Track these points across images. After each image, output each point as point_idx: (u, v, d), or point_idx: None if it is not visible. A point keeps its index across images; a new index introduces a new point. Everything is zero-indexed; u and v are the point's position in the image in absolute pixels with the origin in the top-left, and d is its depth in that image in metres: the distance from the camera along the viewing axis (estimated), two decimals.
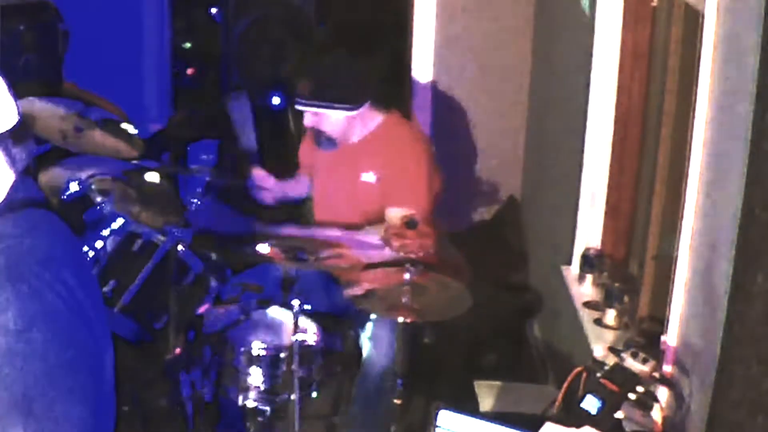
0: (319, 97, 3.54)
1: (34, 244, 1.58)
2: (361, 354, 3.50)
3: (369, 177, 3.66)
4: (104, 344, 1.65)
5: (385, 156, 3.63)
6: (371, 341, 3.48)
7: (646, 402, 2.51)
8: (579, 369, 2.62)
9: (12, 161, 1.63)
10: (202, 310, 3.40)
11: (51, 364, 1.49)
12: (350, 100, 3.56)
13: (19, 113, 1.66)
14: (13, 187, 1.65)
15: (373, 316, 3.48)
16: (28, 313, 1.50)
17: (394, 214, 3.56)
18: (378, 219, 3.60)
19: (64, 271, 1.58)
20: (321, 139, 3.64)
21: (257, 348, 3.21)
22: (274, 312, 3.39)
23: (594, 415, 2.44)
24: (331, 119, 3.58)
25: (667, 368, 2.63)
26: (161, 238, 3.38)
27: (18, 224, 1.60)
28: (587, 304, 3.52)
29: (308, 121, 3.60)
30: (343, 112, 3.56)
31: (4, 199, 1.64)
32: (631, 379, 2.52)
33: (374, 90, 3.73)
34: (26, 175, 1.70)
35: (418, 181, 3.61)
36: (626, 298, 3.30)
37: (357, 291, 3.26)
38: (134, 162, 3.73)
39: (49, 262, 1.57)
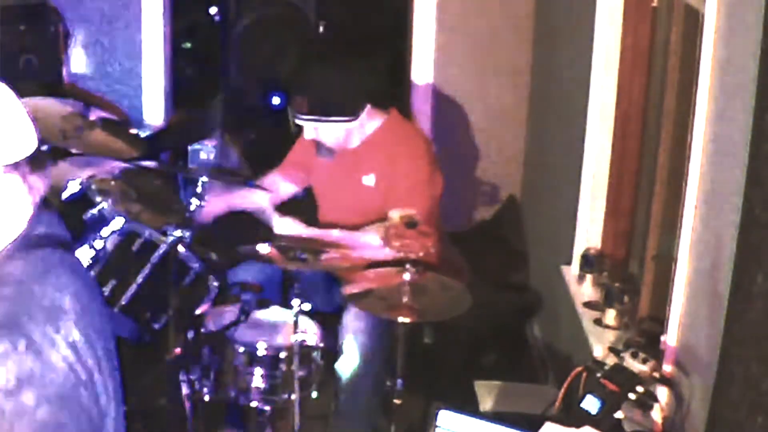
0: (318, 111, 3.54)
1: (41, 293, 1.49)
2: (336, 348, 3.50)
3: (369, 180, 3.67)
4: (107, 405, 1.56)
5: (384, 158, 3.63)
6: (351, 334, 3.47)
7: (646, 402, 2.51)
8: (579, 369, 2.62)
9: (29, 188, 1.56)
10: (202, 310, 3.40)
11: (42, 427, 1.41)
12: (349, 112, 3.57)
13: (38, 139, 1.60)
14: (32, 221, 1.56)
15: (350, 309, 3.47)
16: (22, 371, 1.41)
17: (397, 215, 3.56)
18: (379, 221, 3.59)
19: (70, 325, 1.49)
20: (321, 149, 3.65)
21: (257, 348, 3.21)
22: (274, 312, 3.39)
23: (594, 415, 2.44)
24: (331, 131, 3.59)
25: (667, 368, 2.63)
26: (161, 238, 3.38)
27: (28, 267, 1.51)
28: (587, 304, 3.52)
29: (308, 134, 3.61)
30: (342, 124, 3.57)
31: (21, 234, 1.55)
32: (631, 379, 2.52)
33: (372, 94, 3.73)
34: (49, 209, 1.64)
35: (417, 182, 3.61)
36: (626, 298, 3.30)
37: (354, 289, 3.26)
38: (134, 162, 3.73)
39: (55, 314, 1.48)
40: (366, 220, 3.62)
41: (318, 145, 3.65)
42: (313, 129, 3.59)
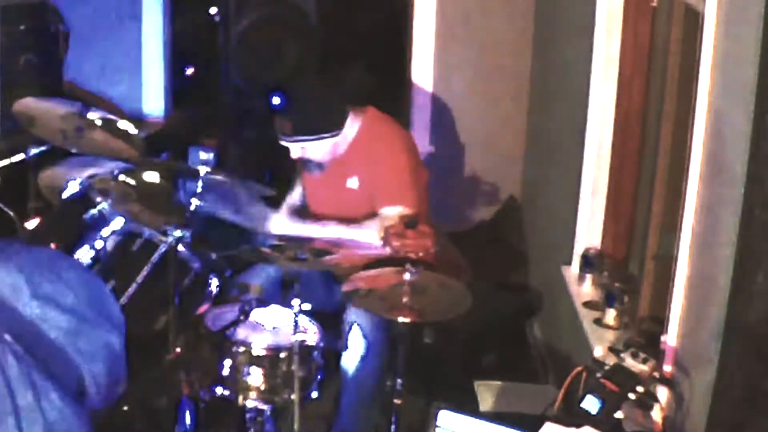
0: (302, 132, 3.55)
1: None
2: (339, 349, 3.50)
3: (353, 183, 3.68)
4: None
5: (364, 160, 3.64)
6: (354, 331, 3.47)
7: (646, 402, 2.51)
8: (579, 369, 2.62)
9: None
10: (202, 310, 3.40)
11: None
12: (333, 127, 3.58)
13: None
14: None
15: (354, 311, 3.47)
16: None
17: (388, 212, 3.56)
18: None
19: None
20: (310, 166, 3.65)
21: (257, 348, 3.21)
22: (274, 312, 3.39)
23: (594, 415, 2.44)
24: (318, 148, 3.59)
25: (667, 368, 2.63)
26: (161, 238, 3.38)
27: None
28: (587, 304, 3.52)
29: (294, 153, 3.61)
30: (329, 140, 3.58)
31: None
32: (631, 379, 2.52)
33: (350, 99, 3.73)
34: None
35: (402, 177, 3.62)
36: (626, 298, 3.30)
37: (353, 286, 3.26)
38: (134, 162, 3.73)
39: None
40: (349, 222, 3.62)
41: (305, 162, 3.65)
42: (299, 149, 3.59)
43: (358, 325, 3.45)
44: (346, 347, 3.46)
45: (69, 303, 1.75)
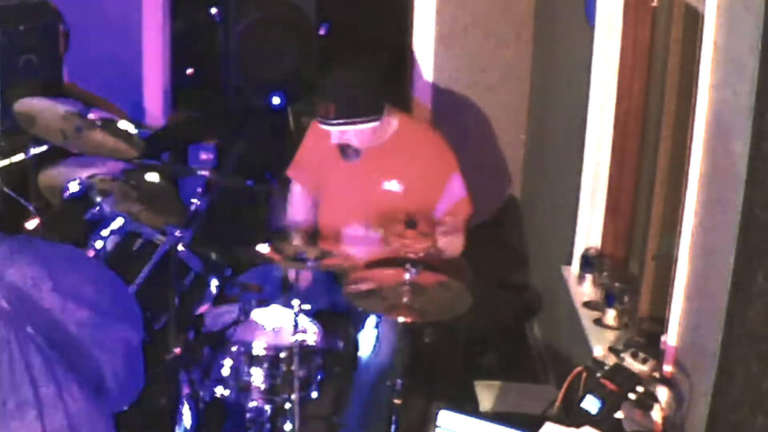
0: (345, 115, 3.53)
1: None
2: (357, 353, 3.50)
3: (392, 185, 3.65)
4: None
5: (407, 164, 3.63)
6: (374, 339, 3.47)
7: (646, 402, 2.52)
8: (579, 369, 2.63)
9: None
10: (202, 310, 3.40)
11: None
12: (374, 111, 3.57)
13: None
14: None
15: (373, 315, 3.47)
16: None
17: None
18: (395, 227, 3.58)
19: None
20: (348, 152, 3.63)
21: (257, 348, 3.21)
22: (274, 312, 3.39)
23: (594, 415, 2.44)
24: (359, 133, 3.57)
25: (667, 368, 2.63)
26: (161, 238, 3.38)
27: None
28: (587, 304, 3.52)
29: (335, 138, 3.59)
30: (370, 124, 3.57)
31: None
32: (631, 379, 2.52)
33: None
34: None
35: (463, 180, 3.67)
36: (626, 298, 3.31)
37: (356, 288, 3.26)
38: (134, 162, 3.73)
39: None
40: (382, 225, 3.60)
41: (342, 150, 3.62)
42: (340, 133, 3.57)
43: (376, 326, 3.45)
44: (363, 358, 3.46)
45: (89, 298, 1.76)
